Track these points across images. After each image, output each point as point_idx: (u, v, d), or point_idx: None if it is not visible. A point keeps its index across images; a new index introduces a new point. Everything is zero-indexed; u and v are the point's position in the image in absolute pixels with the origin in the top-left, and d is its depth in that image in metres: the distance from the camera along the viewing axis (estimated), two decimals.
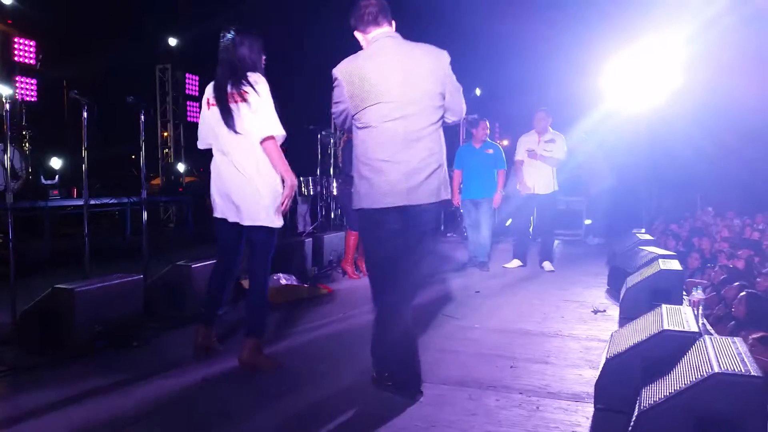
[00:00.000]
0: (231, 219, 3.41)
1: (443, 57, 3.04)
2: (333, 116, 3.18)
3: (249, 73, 3.29)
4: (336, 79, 3.00)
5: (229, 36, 3.36)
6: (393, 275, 3.02)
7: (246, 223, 3.37)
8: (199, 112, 3.59)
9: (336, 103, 3.06)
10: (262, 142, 3.29)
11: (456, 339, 4.07)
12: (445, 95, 3.03)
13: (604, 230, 9.59)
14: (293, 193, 3.39)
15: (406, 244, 3.02)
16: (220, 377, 3.31)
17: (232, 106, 3.29)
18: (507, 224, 7.64)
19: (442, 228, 10.55)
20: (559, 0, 12.31)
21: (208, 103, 3.42)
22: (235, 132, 3.29)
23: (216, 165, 3.45)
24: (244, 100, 3.27)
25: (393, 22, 3.06)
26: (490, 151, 6.89)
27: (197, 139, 3.58)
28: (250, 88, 3.27)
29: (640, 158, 10.93)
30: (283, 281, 5.19)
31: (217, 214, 3.48)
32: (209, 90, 3.43)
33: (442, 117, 3.07)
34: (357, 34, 3.09)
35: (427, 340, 3.97)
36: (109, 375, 3.31)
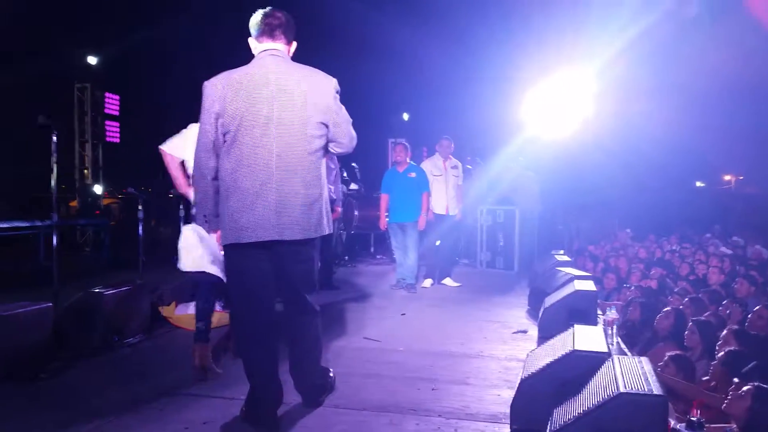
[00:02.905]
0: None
1: (328, 84, 2.82)
2: (198, 146, 2.79)
3: None
4: (205, 91, 2.75)
5: None
6: (263, 311, 2.85)
7: None
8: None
9: (203, 125, 2.76)
10: None
11: (379, 362, 4.07)
12: (329, 125, 2.82)
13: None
14: None
15: (283, 278, 2.86)
16: (129, 413, 3.17)
17: None
18: (437, 245, 7.77)
19: (372, 249, 10.57)
20: (483, 34, 12.83)
21: None
22: None
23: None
24: None
25: (293, 43, 2.91)
26: (413, 174, 7.01)
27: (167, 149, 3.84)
28: None
29: (559, 182, 11.37)
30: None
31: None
32: None
33: (325, 147, 2.86)
34: (251, 41, 2.89)
35: (351, 364, 3.96)
36: (9, 408, 3.13)
